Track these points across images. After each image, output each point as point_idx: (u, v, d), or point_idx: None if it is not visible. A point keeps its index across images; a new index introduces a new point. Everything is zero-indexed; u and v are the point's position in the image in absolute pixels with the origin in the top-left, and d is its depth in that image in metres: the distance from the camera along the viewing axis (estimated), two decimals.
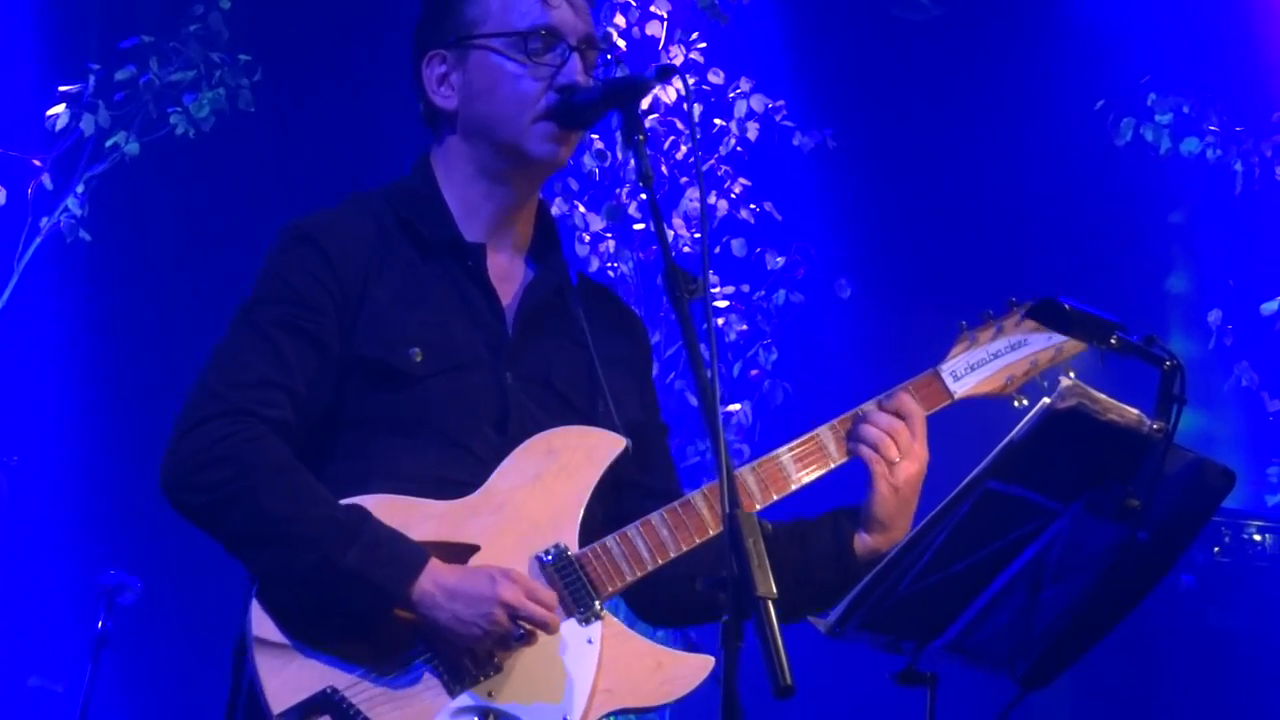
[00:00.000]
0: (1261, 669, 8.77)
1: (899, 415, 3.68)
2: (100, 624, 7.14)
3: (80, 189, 9.17)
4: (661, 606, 3.79)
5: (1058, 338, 3.80)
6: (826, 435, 3.71)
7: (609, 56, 3.77)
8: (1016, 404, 3.82)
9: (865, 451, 3.67)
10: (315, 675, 3.37)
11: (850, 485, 3.76)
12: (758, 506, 3.64)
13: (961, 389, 3.78)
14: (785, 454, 3.69)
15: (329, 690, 3.37)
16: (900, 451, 3.66)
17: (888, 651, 3.52)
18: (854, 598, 3.39)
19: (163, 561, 8.36)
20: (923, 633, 3.51)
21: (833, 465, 3.72)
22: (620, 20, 9.44)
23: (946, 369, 3.79)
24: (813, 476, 3.70)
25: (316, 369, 3.51)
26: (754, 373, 9.67)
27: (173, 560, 8.34)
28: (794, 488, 3.68)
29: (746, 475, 3.65)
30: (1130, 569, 3.46)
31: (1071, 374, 3.38)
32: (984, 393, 3.81)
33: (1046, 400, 3.30)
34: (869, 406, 3.72)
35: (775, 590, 2.94)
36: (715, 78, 9.67)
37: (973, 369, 3.80)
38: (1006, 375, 3.80)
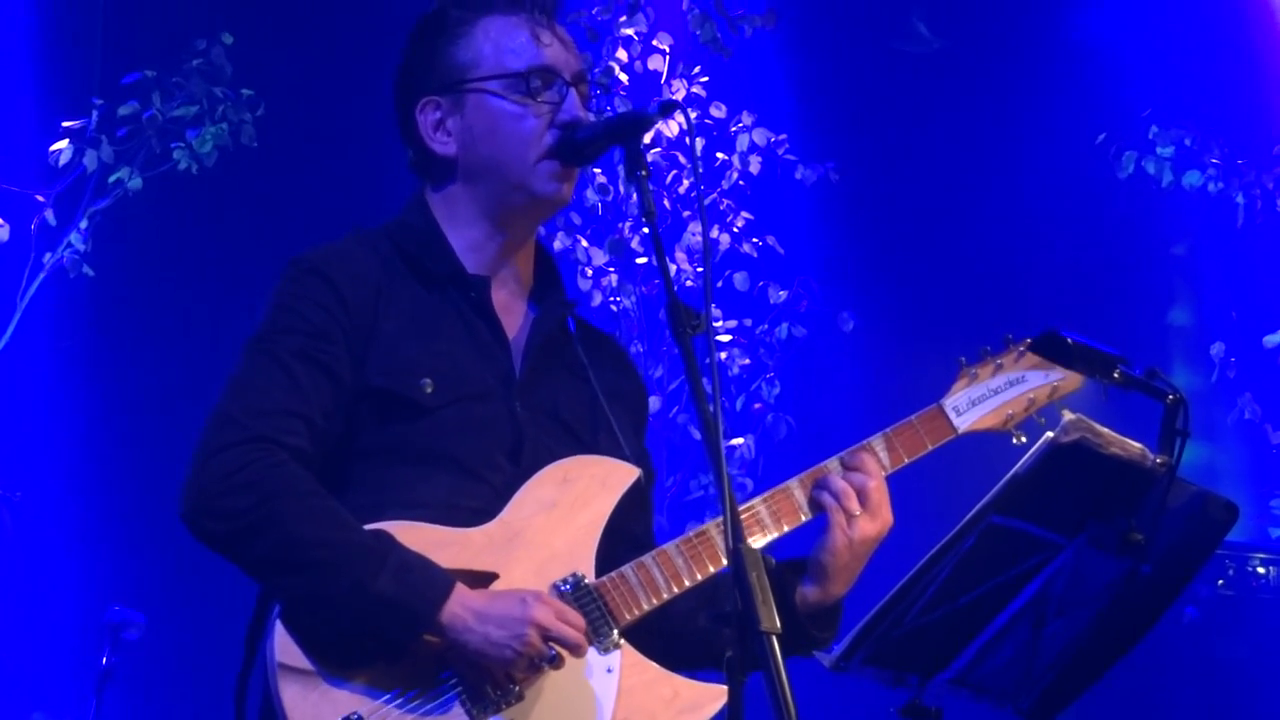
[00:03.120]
0: (1265, 701, 8.76)
1: (864, 473, 3.66)
2: (104, 660, 7.12)
3: (83, 224, 9.16)
4: (658, 651, 3.72)
5: (1055, 375, 3.82)
6: (835, 467, 3.69)
7: (601, 89, 3.78)
8: (1015, 441, 3.82)
9: (827, 500, 3.64)
10: (340, 702, 3.37)
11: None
12: (771, 536, 3.63)
13: (964, 424, 3.78)
14: (796, 486, 3.67)
15: (354, 717, 3.37)
16: (869, 509, 3.62)
17: (892, 686, 3.52)
18: (859, 632, 3.40)
19: (167, 597, 8.35)
20: (927, 667, 3.51)
21: None
22: (622, 54, 9.45)
23: (949, 403, 3.79)
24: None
25: (331, 399, 3.51)
26: (757, 406, 9.65)
27: (177, 596, 8.35)
28: (805, 519, 3.65)
29: (759, 506, 3.64)
30: (1134, 602, 3.46)
31: (1066, 411, 3.39)
32: (985, 428, 3.81)
33: (1050, 434, 3.31)
34: (855, 452, 3.71)
35: (779, 625, 2.94)
36: (717, 111, 9.68)
37: (974, 404, 3.80)
38: (1006, 412, 3.81)
